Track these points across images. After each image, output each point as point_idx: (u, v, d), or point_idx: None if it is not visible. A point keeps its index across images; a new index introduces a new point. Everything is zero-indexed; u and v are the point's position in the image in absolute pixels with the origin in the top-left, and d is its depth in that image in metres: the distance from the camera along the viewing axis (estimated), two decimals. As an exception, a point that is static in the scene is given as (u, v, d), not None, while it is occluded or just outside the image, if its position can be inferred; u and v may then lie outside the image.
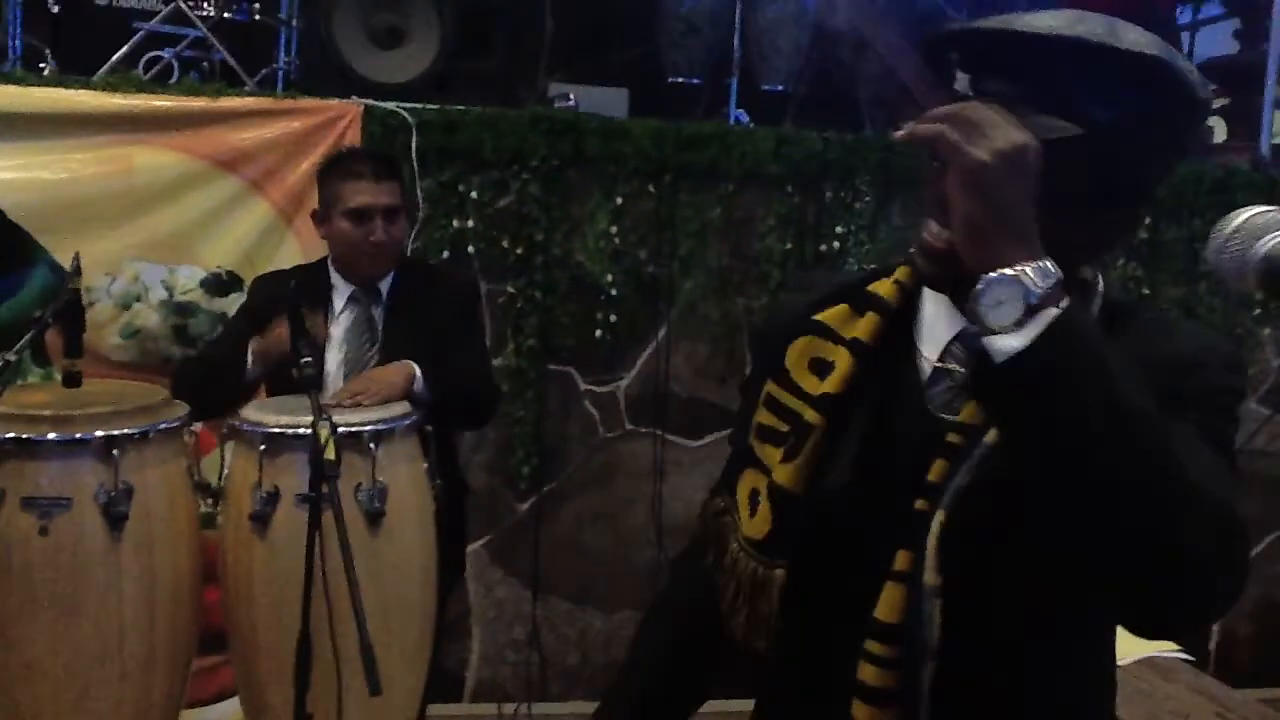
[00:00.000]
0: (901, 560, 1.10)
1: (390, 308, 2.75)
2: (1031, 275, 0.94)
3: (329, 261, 2.80)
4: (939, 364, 1.17)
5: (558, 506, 3.79)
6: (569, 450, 3.79)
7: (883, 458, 1.15)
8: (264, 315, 2.64)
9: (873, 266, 1.29)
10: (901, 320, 1.20)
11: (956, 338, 1.17)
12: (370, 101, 3.53)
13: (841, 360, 1.18)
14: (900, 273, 1.21)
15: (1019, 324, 0.92)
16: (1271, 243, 0.87)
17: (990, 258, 0.96)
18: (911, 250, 1.13)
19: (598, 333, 3.73)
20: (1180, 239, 4.03)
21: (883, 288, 1.21)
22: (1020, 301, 0.93)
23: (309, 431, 2.15)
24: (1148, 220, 3.97)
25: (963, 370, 1.15)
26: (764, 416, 1.22)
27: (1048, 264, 0.94)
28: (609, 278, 3.71)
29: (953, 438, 1.10)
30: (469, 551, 3.72)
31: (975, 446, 1.09)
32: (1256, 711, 2.89)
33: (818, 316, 1.22)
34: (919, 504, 1.10)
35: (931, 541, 1.08)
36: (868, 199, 3.81)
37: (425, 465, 2.44)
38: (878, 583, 1.11)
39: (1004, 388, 0.95)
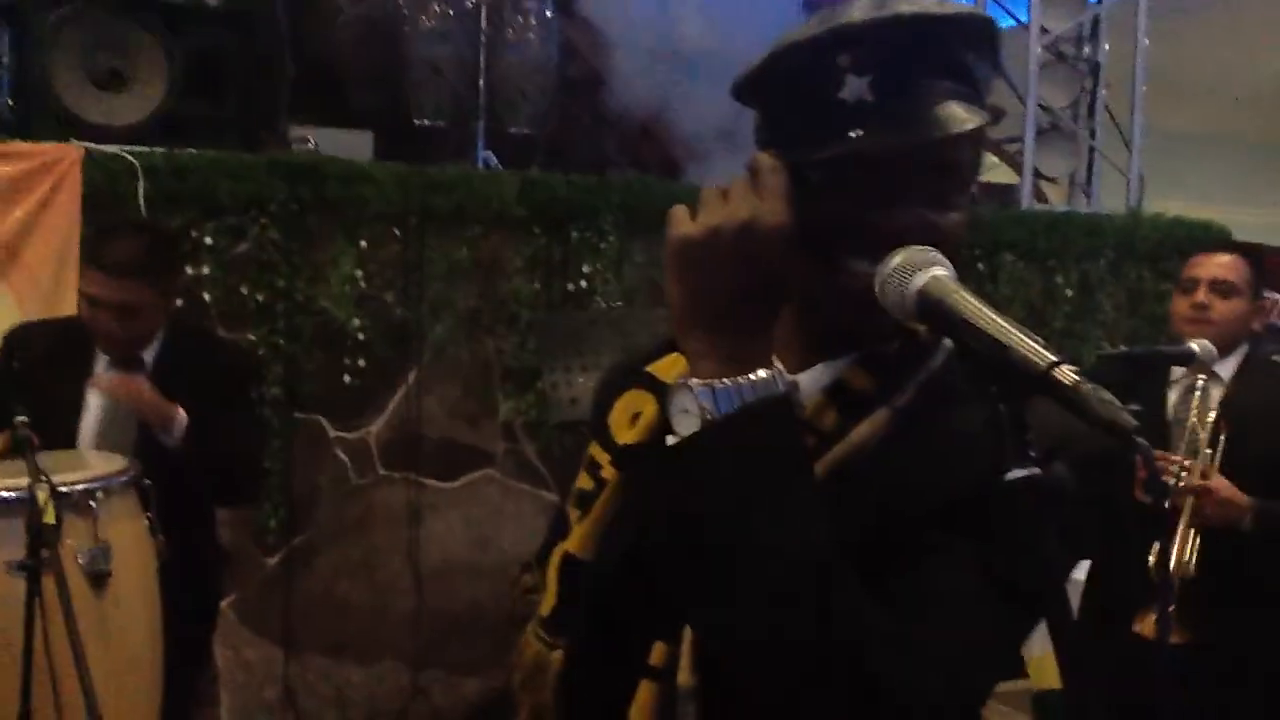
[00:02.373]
0: (657, 654, 0.97)
1: (156, 377, 2.59)
2: (700, 389, 0.86)
3: None
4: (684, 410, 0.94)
5: (310, 559, 3.68)
6: (320, 500, 3.69)
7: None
8: (24, 372, 2.53)
9: None
10: None
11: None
12: (92, 145, 3.36)
13: (648, 407, 1.03)
14: None
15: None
16: (924, 279, 0.92)
17: (685, 349, 0.88)
18: None
19: (346, 379, 3.67)
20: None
21: None
22: (696, 416, 0.87)
23: (21, 495, 2.04)
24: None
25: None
26: (582, 480, 1.08)
27: (743, 378, 0.86)
28: (356, 322, 3.65)
29: None
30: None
31: None
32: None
33: (649, 367, 1.07)
34: None
35: (688, 634, 0.95)
36: (612, 238, 3.91)
37: (147, 521, 2.33)
38: (636, 677, 0.98)
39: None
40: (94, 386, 2.49)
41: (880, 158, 0.91)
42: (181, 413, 2.48)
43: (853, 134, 0.90)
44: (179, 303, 3.39)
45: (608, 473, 1.04)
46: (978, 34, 0.94)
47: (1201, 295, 2.59)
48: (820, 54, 0.91)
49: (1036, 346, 0.85)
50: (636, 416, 1.05)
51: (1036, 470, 0.85)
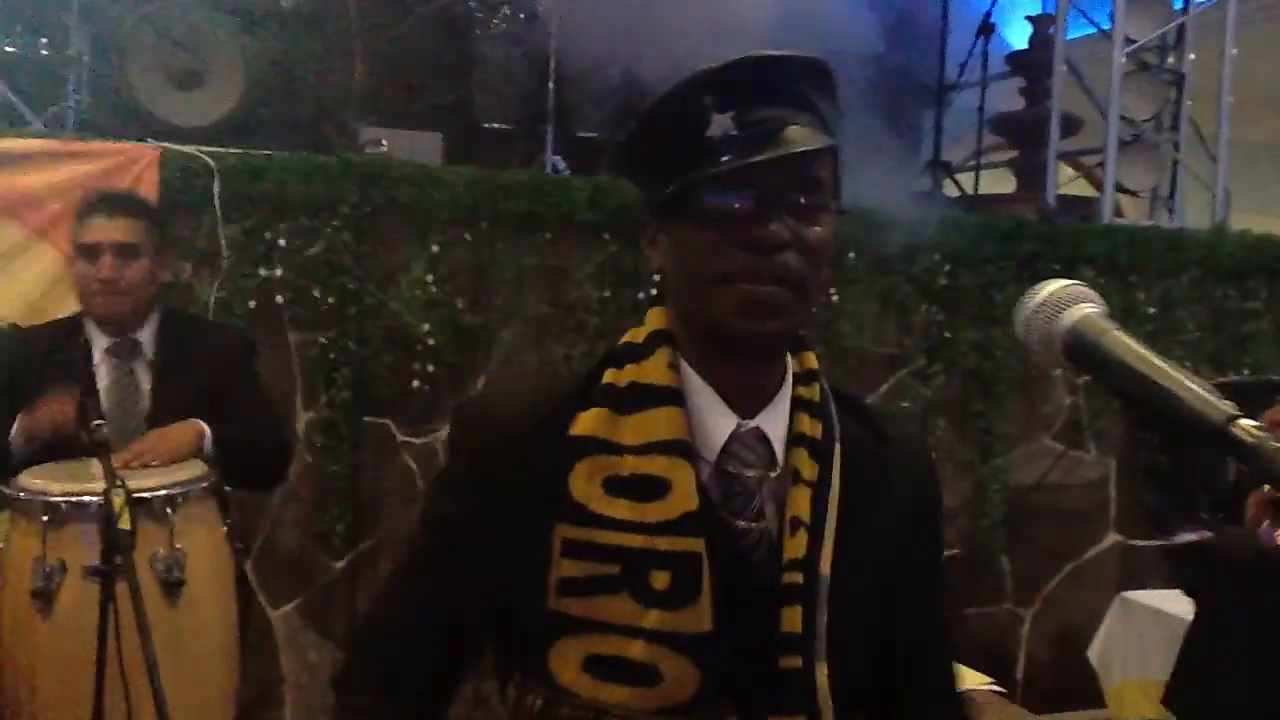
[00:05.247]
0: None
1: (156, 362, 2.59)
2: None
3: (84, 314, 2.62)
4: (727, 468, 1.06)
5: (376, 563, 3.66)
6: (386, 505, 3.67)
7: (733, 597, 1.03)
8: (18, 378, 2.46)
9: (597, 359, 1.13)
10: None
11: (734, 438, 1.06)
12: (169, 145, 3.37)
13: (674, 470, 1.02)
14: (663, 354, 1.08)
15: None
16: (1076, 316, 0.87)
17: None
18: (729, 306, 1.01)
19: (415, 383, 3.64)
20: (975, 285, 4.23)
21: (655, 373, 1.07)
22: None
23: (97, 499, 2.02)
24: (946, 268, 4.15)
25: (752, 473, 1.06)
26: (571, 568, 1.02)
27: None
28: (426, 327, 3.62)
29: (792, 577, 1.03)
30: (279, 615, 3.55)
31: (816, 582, 1.03)
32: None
33: (578, 432, 1.05)
34: (788, 661, 1.02)
35: (824, 700, 1.02)
36: (683, 246, 3.84)
37: (225, 529, 2.31)
38: None
39: None
40: (124, 456, 2.33)
41: (747, 177, 0.99)
42: (204, 429, 2.45)
43: (723, 159, 0.99)
44: (251, 305, 3.43)
45: (687, 543, 1.00)
46: (814, 72, 1.05)
47: None
48: (688, 98, 1.02)
49: (1210, 397, 0.80)
50: (614, 483, 1.03)
51: (1207, 533, 0.80)
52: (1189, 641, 2.65)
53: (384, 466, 3.65)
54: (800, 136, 1.00)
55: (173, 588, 2.15)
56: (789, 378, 1.11)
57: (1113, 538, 4.48)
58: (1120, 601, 3.53)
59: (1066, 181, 5.03)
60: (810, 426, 1.08)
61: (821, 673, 1.01)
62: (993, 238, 4.23)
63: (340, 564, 3.61)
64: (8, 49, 3.62)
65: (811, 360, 1.13)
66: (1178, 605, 3.12)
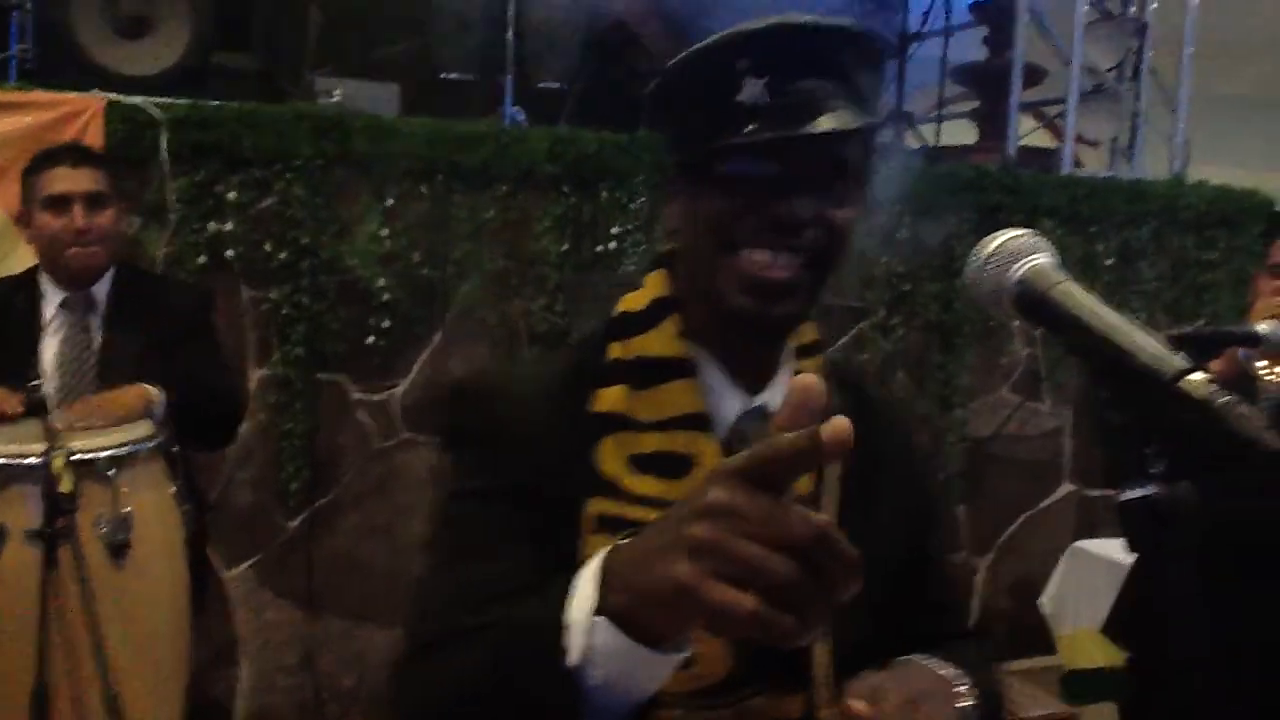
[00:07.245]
0: (795, 707, 1.00)
1: (109, 317, 2.54)
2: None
3: (37, 270, 2.58)
4: (733, 448, 1.00)
5: (332, 521, 3.64)
6: (342, 462, 3.64)
7: None
8: None
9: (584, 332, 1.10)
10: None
11: (744, 416, 1.03)
12: (114, 96, 3.28)
13: (696, 446, 1.00)
14: (671, 323, 1.04)
15: None
16: (1026, 268, 0.86)
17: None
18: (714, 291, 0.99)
19: (370, 339, 3.60)
20: (936, 237, 4.21)
21: (663, 345, 1.03)
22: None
23: (39, 461, 1.98)
24: (907, 219, 4.14)
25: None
26: (603, 545, 0.88)
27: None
28: (381, 282, 3.57)
29: None
30: (234, 575, 3.52)
31: None
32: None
33: (600, 409, 1.02)
34: None
35: (820, 675, 0.98)
36: (643, 199, 3.81)
37: (173, 489, 2.27)
38: None
39: None
40: (69, 414, 2.26)
41: (773, 151, 0.96)
42: (155, 391, 2.38)
43: (748, 129, 0.95)
44: (201, 260, 3.36)
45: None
46: (858, 44, 0.99)
47: None
48: (722, 58, 0.97)
49: (1160, 350, 0.77)
50: (638, 460, 0.99)
51: (1154, 489, 0.78)
52: (1134, 579, 2.66)
53: (339, 424, 3.61)
54: (835, 113, 0.95)
55: (119, 550, 2.12)
56: (789, 350, 1.07)
57: (1067, 488, 4.53)
58: (1072, 551, 3.57)
59: (1028, 132, 5.01)
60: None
61: (821, 652, 0.98)
62: (954, 189, 4.21)
63: (295, 523, 3.58)
64: (-54, -4, 3.51)
65: (812, 332, 1.09)
66: (1128, 554, 3.16)
